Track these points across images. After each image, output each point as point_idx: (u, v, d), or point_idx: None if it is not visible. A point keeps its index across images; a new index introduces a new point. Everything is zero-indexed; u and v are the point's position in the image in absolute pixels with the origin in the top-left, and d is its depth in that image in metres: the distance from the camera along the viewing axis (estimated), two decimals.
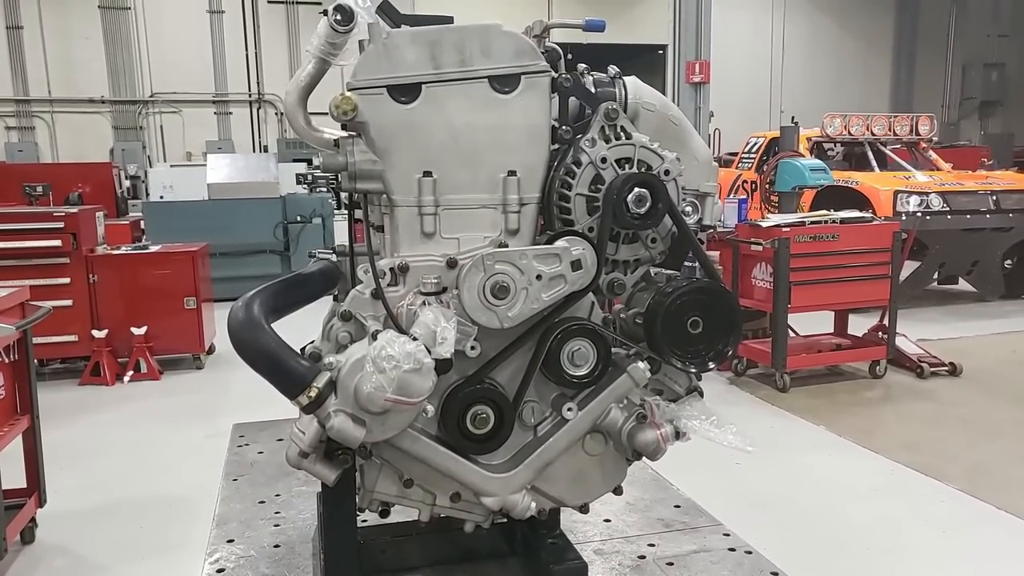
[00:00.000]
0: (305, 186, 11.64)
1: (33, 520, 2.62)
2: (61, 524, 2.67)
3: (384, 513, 1.72)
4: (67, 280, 5.56)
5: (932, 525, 2.61)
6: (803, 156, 8.23)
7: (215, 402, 4.83)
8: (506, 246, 1.63)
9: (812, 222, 5.11)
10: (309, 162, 12.94)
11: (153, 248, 6.49)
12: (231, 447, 2.67)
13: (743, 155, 9.82)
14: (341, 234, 12.02)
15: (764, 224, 4.90)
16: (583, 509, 1.73)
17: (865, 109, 11.43)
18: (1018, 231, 9.51)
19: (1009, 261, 10.29)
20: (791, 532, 2.26)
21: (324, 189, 12.38)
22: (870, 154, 9.75)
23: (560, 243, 1.57)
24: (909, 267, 8.43)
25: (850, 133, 9.68)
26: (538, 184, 1.67)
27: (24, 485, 2.62)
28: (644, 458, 1.66)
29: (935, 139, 11.15)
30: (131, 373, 5.49)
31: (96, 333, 5.54)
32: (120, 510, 2.76)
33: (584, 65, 1.80)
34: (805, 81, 16.69)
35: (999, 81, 18.97)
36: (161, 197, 10.86)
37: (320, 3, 15.84)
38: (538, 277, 1.53)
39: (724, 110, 11.41)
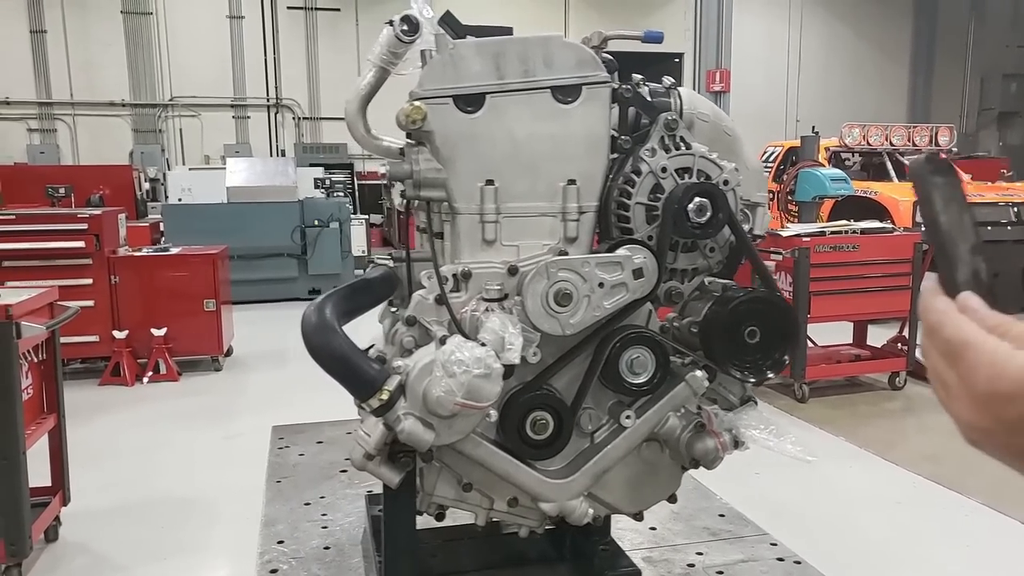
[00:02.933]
0: (323, 190, 11.70)
1: (57, 519, 2.64)
2: (83, 523, 2.69)
3: (440, 516, 1.74)
4: (90, 281, 5.61)
5: (956, 539, 2.60)
6: (823, 166, 8.24)
7: (233, 404, 4.87)
8: (566, 254, 1.65)
9: (832, 232, 5.11)
10: (326, 167, 13.02)
11: (174, 250, 6.54)
12: (272, 449, 2.70)
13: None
14: (358, 239, 12.08)
15: (784, 234, 4.90)
16: (638, 516, 1.74)
17: (881, 119, 11.41)
18: None
19: None
20: (814, 542, 2.24)
21: (341, 194, 12.47)
22: (889, 164, 9.75)
23: (622, 251, 1.59)
24: (929, 279, 8.42)
25: (869, 143, 9.68)
26: (596, 193, 1.69)
27: (49, 483, 2.64)
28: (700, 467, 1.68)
29: (955, 150, 11.13)
30: (150, 374, 5.53)
31: (117, 334, 5.59)
32: (141, 510, 2.78)
33: (639, 76, 1.82)
34: (821, 90, 16.67)
35: (1018, 92, 18.88)
36: (180, 200, 10.94)
37: (339, 8, 15.97)
38: (600, 285, 1.55)
39: (740, 119, 11.37)
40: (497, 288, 1.56)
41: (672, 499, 1.74)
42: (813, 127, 9.12)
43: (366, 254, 12.92)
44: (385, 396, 1.41)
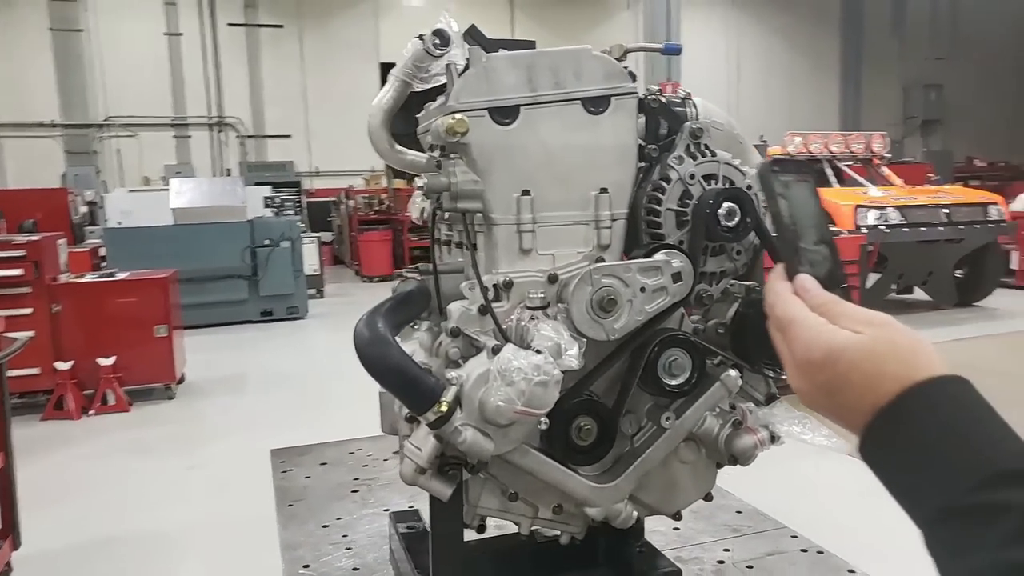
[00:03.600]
0: (273, 209, 11.52)
1: (8, 564, 2.49)
2: (35, 567, 2.56)
3: (481, 528, 1.74)
4: (29, 310, 5.38)
5: None
6: None
7: (192, 432, 4.73)
8: (602, 260, 1.69)
9: None
10: (273, 185, 12.82)
11: (120, 275, 6.33)
12: (275, 473, 2.65)
13: None
14: (310, 257, 11.90)
15: None
16: (677, 516, 1.77)
17: (817, 128, 11.88)
18: (968, 242, 9.98)
19: (960, 271, 10.78)
20: (832, 533, 2.31)
21: (292, 212, 12.29)
22: (829, 170, 10.13)
23: (659, 256, 1.62)
24: (870, 279, 8.75)
25: (810, 151, 10.06)
26: (626, 200, 1.73)
27: None
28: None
29: (888, 155, 11.63)
30: (98, 405, 5.33)
31: (60, 365, 5.36)
32: (97, 550, 2.67)
33: (656, 87, 1.87)
34: (762, 102, 17.26)
35: (938, 101, 19.88)
36: (120, 223, 10.60)
37: (281, 25, 15.79)
38: (642, 289, 1.59)
39: None
40: (540, 296, 1.58)
41: (708, 497, 1.78)
42: (761, 136, 9.42)
43: (318, 273, 12.75)
44: (444, 408, 1.41)
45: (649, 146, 1.74)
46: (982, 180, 18.65)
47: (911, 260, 9.15)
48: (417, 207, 2.08)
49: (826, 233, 0.84)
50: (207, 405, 5.32)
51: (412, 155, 1.85)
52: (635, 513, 1.69)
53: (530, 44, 1.82)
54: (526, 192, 1.65)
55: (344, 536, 2.20)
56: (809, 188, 0.87)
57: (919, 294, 10.40)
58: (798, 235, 0.82)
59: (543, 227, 1.67)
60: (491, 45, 1.72)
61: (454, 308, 1.64)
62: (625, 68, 1.74)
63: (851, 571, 1.88)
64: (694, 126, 1.73)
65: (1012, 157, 20.02)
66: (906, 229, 8.79)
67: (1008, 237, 11.76)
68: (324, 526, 2.24)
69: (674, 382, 1.66)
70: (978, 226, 10.12)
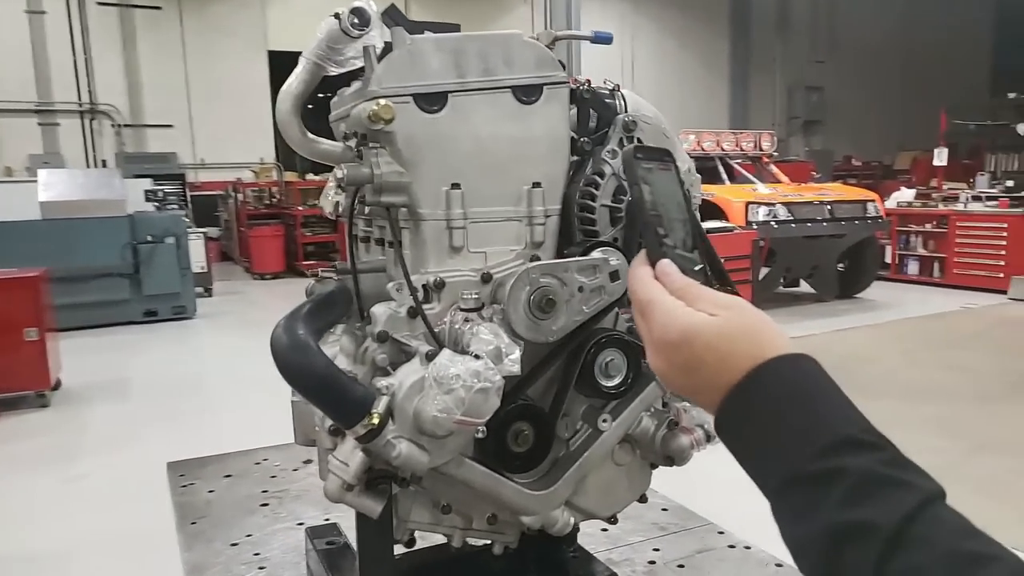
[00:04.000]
0: (155, 203, 10.87)
1: None
2: None
3: (411, 543, 1.63)
4: None
5: None
6: None
7: (69, 443, 4.38)
8: (538, 258, 1.61)
9: None
10: (154, 178, 12.11)
11: None
12: (173, 488, 2.43)
13: None
14: (197, 254, 11.30)
15: None
16: (612, 519, 1.72)
17: (708, 127, 12.30)
18: (849, 237, 10.59)
19: (842, 265, 11.44)
20: (756, 527, 2.34)
21: (176, 206, 11.63)
22: (720, 168, 10.50)
23: (596, 254, 1.56)
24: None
25: (703, 148, 10.39)
26: (559, 195, 1.66)
27: None
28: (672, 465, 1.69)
29: (775, 154, 12.17)
30: None
31: None
32: None
33: (587, 77, 1.81)
34: (655, 100, 17.51)
35: (819, 102, 21.03)
36: None
37: (159, 7, 14.88)
38: (580, 289, 1.52)
39: None
40: (475, 297, 1.48)
41: (643, 499, 1.74)
42: None
43: (206, 271, 12.13)
44: (375, 420, 1.29)
45: (582, 139, 1.67)
46: (858, 178, 19.87)
47: (798, 254, 9.61)
48: (330, 200, 1.93)
49: (688, 218, 0.86)
50: (87, 413, 4.93)
51: (326, 144, 1.71)
52: (572, 520, 1.63)
53: (454, 27, 1.73)
54: (456, 186, 1.55)
55: (256, 554, 2.03)
56: (671, 176, 0.88)
57: (804, 287, 10.96)
58: (660, 220, 0.83)
59: (474, 223, 1.58)
60: (413, 27, 1.61)
61: (379, 311, 1.53)
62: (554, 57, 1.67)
63: (779, 565, 1.89)
64: (627, 119, 1.68)
65: (884, 157, 21.44)
66: (793, 225, 9.22)
67: (883, 232, 12.55)
68: (233, 544, 2.07)
69: (610, 383, 1.61)
70: (858, 222, 10.74)
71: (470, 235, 1.58)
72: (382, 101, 1.42)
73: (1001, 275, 12.11)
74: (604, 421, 1.61)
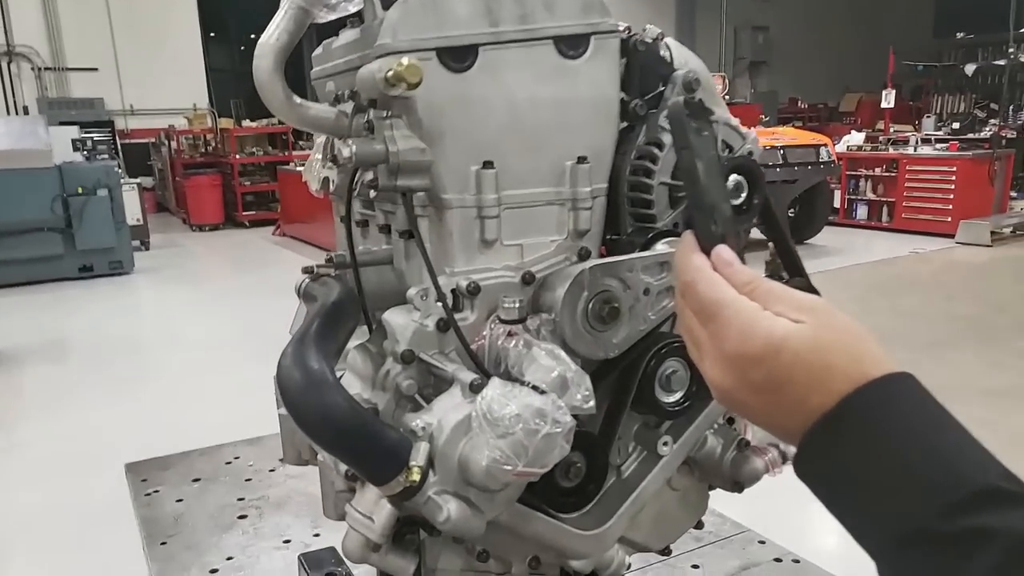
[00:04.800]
0: (83, 153, 10.14)
1: None
2: None
3: None
4: None
5: None
6: None
7: (2, 408, 4.05)
8: (587, 251, 1.33)
9: None
10: (82, 125, 11.30)
11: None
12: (136, 497, 2.10)
13: None
14: (132, 206, 10.63)
15: None
16: (666, 552, 1.49)
17: None
18: (802, 183, 10.57)
19: (793, 210, 11.44)
20: (795, 534, 2.15)
21: (106, 156, 10.87)
22: None
23: (661, 247, 1.29)
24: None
25: None
26: (606, 172, 1.37)
27: None
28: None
29: (728, 97, 11.95)
30: None
31: None
32: None
33: (625, 24, 1.50)
34: None
35: (764, 43, 20.83)
36: None
37: None
38: (645, 292, 1.25)
39: None
40: (518, 306, 1.20)
41: (699, 525, 1.51)
42: None
43: (142, 223, 11.46)
44: (416, 476, 1.01)
45: (634, 101, 1.37)
46: (804, 120, 19.89)
47: None
48: (316, 176, 1.60)
49: (726, 192, 0.74)
50: (20, 376, 4.54)
51: (317, 110, 1.38)
52: (627, 559, 1.39)
53: None
54: (488, 164, 1.25)
55: None
56: (712, 141, 0.76)
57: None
58: (713, 193, 0.70)
59: (509, 209, 1.28)
60: None
61: (398, 321, 1.23)
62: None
63: None
64: (689, 75, 1.39)
65: (829, 99, 21.51)
66: None
67: (833, 177, 12.56)
68: (212, 572, 1.78)
69: (671, 399, 1.36)
70: (811, 167, 10.71)
71: (504, 225, 1.28)
72: (405, 60, 1.09)
73: (949, 219, 12.28)
74: (665, 444, 1.36)
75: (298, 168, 12.53)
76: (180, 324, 7.86)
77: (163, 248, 12.20)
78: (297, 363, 1.01)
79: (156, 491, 2.17)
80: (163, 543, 1.90)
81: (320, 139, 1.60)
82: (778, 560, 1.79)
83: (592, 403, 1.06)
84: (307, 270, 1.40)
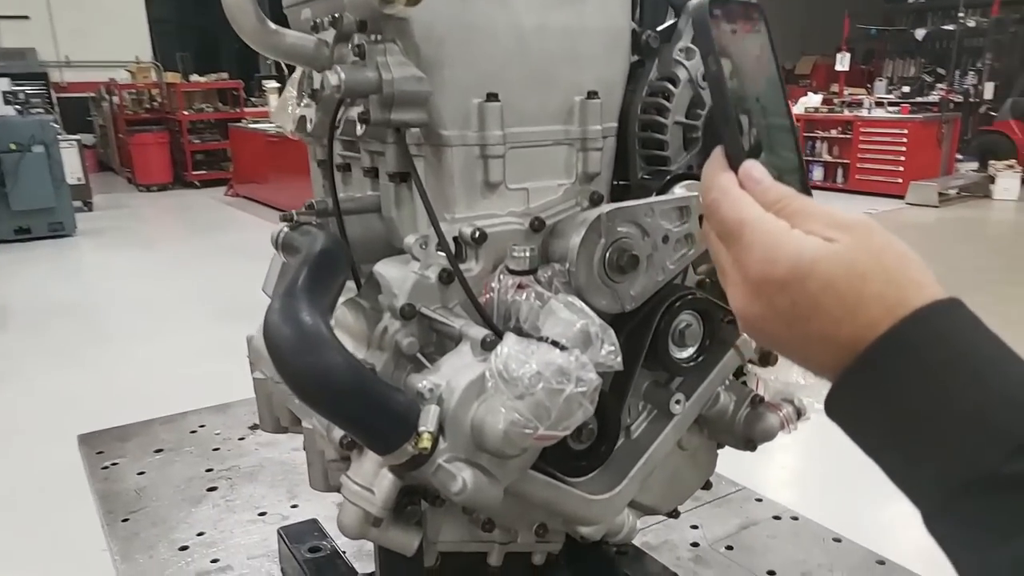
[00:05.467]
0: (16, 107, 9.62)
1: None
2: None
3: (437, 569, 1.28)
4: None
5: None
6: None
7: None
8: (599, 196, 1.22)
9: None
10: (12, 77, 10.69)
11: None
12: (92, 471, 1.96)
13: None
14: (72, 164, 10.13)
15: None
16: (674, 514, 1.42)
17: None
18: None
19: None
20: (788, 488, 2.12)
21: (41, 110, 10.33)
22: None
23: (679, 190, 1.19)
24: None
25: None
26: (616, 110, 1.26)
27: None
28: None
29: None
30: None
31: None
32: None
33: None
34: None
35: None
36: None
37: None
38: (664, 239, 1.15)
39: None
40: (528, 255, 1.09)
41: (707, 485, 1.45)
42: None
43: (83, 182, 10.96)
44: (426, 441, 0.90)
45: (646, 33, 1.26)
46: None
47: None
48: (289, 115, 1.45)
49: (785, 103, 0.65)
50: None
51: (294, 38, 1.23)
52: (636, 523, 1.32)
53: None
54: (492, 96, 1.12)
55: (214, 561, 1.61)
56: (761, 41, 0.66)
57: None
58: (746, 105, 0.63)
59: (514, 149, 1.17)
60: None
61: (394, 274, 1.11)
62: None
63: (837, 540, 1.66)
64: (704, 6, 1.28)
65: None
66: None
67: None
68: (182, 548, 1.65)
69: (684, 354, 1.27)
70: None
71: (509, 166, 1.16)
72: None
73: (900, 180, 12.49)
74: (677, 403, 1.28)
75: (251, 125, 12.10)
76: (129, 288, 7.56)
77: (108, 209, 11.71)
78: (288, 319, 0.89)
79: (115, 464, 2.03)
80: (125, 520, 1.76)
81: (296, 74, 1.45)
82: (777, 518, 1.75)
83: (619, 359, 0.96)
84: (286, 218, 1.27)
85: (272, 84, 11.76)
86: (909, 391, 0.50)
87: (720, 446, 1.43)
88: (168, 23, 17.54)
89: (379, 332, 1.07)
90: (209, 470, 2.00)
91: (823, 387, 1.33)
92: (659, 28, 1.28)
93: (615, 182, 1.30)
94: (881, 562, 1.61)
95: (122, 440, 2.14)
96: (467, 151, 1.13)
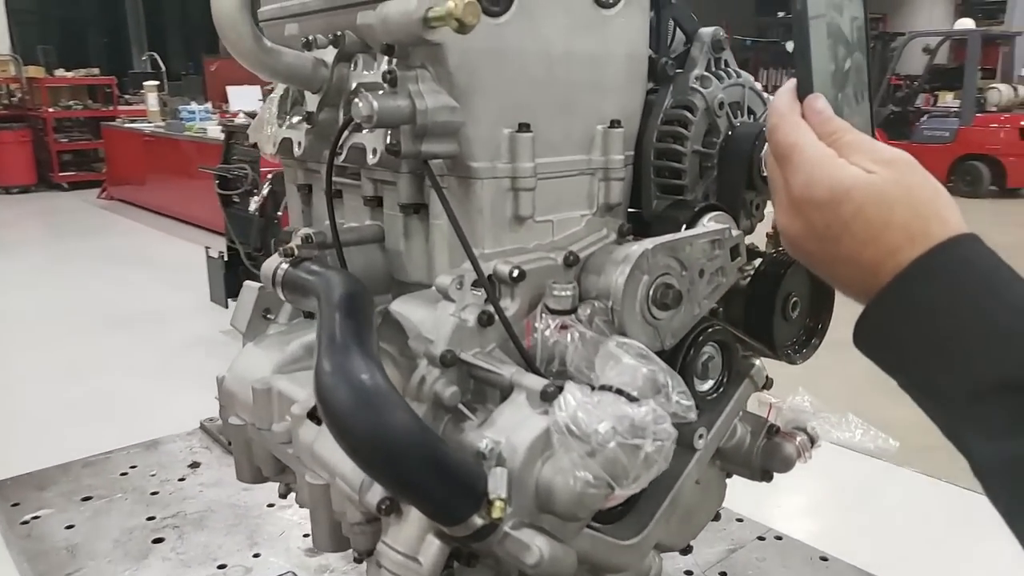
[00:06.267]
0: None
1: None
2: None
3: None
4: None
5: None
6: None
7: None
8: (627, 229, 1.18)
9: None
10: None
11: None
12: (10, 526, 1.72)
13: None
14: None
15: None
16: (687, 550, 1.39)
17: None
18: None
19: None
20: (767, 508, 2.12)
21: None
22: None
23: (713, 223, 1.16)
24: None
25: None
26: (633, 138, 1.22)
27: None
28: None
29: None
30: None
31: None
32: None
33: None
34: None
35: None
36: None
37: None
38: (700, 273, 1.11)
39: None
40: (568, 294, 1.03)
41: (716, 517, 1.42)
42: None
43: None
44: (500, 512, 0.82)
45: (663, 59, 1.22)
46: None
47: None
48: (268, 137, 1.33)
49: (866, 54, 0.69)
50: None
51: (292, 57, 1.12)
52: (663, 564, 1.28)
53: None
54: (524, 127, 1.06)
55: None
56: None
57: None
58: (821, 39, 0.66)
59: (542, 180, 1.10)
60: None
61: (423, 318, 1.03)
62: None
63: (824, 559, 1.69)
64: (720, 35, 1.26)
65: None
66: None
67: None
68: None
69: (706, 387, 1.25)
70: None
71: (537, 197, 1.10)
72: None
73: None
74: (700, 437, 1.25)
75: (126, 125, 11.32)
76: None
77: None
78: (344, 374, 0.79)
79: (35, 517, 1.80)
80: None
81: (276, 92, 1.32)
82: (761, 539, 1.76)
83: (694, 410, 0.91)
84: (286, 253, 1.15)
85: (151, 83, 11.08)
86: (939, 308, 0.54)
87: (728, 476, 1.41)
88: (27, 13, 16.18)
89: (415, 382, 0.98)
90: (151, 518, 1.81)
91: (831, 413, 1.32)
92: (675, 56, 1.25)
93: (628, 210, 1.26)
94: None
95: (40, 488, 1.89)
96: (497, 183, 1.06)
